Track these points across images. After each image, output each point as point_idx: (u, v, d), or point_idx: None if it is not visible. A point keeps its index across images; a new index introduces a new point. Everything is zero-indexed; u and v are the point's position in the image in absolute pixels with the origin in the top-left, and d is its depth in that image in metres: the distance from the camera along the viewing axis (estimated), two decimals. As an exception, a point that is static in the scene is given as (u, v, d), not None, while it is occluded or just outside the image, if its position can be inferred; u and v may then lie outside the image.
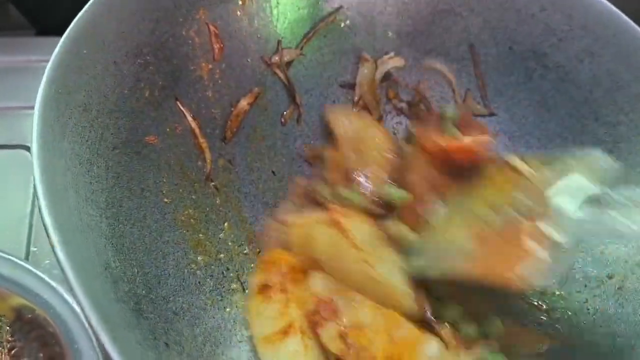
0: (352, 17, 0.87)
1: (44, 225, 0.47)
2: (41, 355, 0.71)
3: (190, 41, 0.76)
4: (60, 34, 0.92)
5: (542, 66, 0.82)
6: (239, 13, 0.81)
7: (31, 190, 0.86)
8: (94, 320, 0.44)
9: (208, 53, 0.78)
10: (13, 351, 0.71)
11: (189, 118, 0.76)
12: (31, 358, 0.71)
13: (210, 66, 0.79)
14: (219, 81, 0.80)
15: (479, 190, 0.66)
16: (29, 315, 0.73)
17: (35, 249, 0.81)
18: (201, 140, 0.78)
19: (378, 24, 0.87)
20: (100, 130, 0.62)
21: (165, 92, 0.73)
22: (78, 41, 0.61)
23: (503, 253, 0.56)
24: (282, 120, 0.84)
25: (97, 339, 0.46)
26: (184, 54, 0.76)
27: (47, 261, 0.80)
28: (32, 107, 0.77)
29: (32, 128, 0.53)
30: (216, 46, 0.79)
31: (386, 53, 0.88)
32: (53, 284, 0.72)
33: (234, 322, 0.66)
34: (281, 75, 0.83)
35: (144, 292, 0.57)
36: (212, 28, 0.78)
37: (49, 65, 0.57)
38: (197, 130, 0.77)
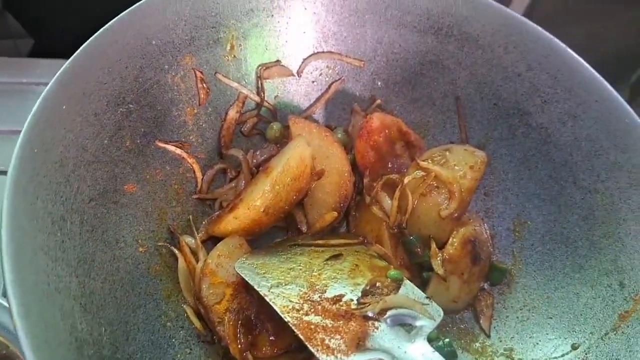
0: (341, 65, 0.87)
1: (7, 299, 0.48)
2: (12, 390, 0.73)
3: (175, 87, 0.77)
4: (57, 50, 0.94)
5: (526, 125, 0.82)
6: (227, 59, 0.81)
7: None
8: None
9: (193, 98, 0.79)
10: (-15, 388, 0.72)
11: (172, 148, 0.77)
12: (3, 393, 0.73)
13: (195, 111, 0.80)
14: (203, 125, 0.81)
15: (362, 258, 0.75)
16: (3, 352, 0.74)
17: (14, 281, 0.82)
18: (190, 160, 0.79)
19: (367, 72, 0.88)
20: (76, 184, 0.63)
21: (147, 139, 0.74)
22: (57, 97, 0.61)
23: (329, 322, 0.64)
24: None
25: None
26: (168, 99, 0.76)
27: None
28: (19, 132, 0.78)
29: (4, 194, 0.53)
30: (202, 91, 0.79)
31: (374, 101, 0.89)
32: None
33: (200, 377, 0.67)
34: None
35: (109, 352, 0.58)
36: (198, 74, 0.79)
37: (26, 123, 0.58)
38: (184, 155, 0.78)
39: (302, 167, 0.77)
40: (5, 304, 0.75)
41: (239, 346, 0.67)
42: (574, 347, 0.71)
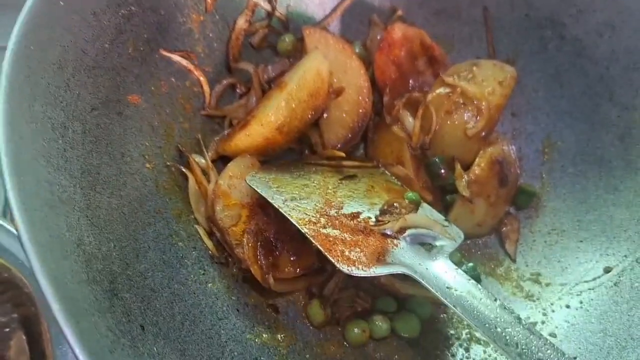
0: (359, -30, 0.80)
1: (8, 203, 0.43)
2: (15, 315, 0.69)
3: (180, -11, 0.70)
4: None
5: (559, 37, 0.76)
6: (236, -41, 0.74)
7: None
8: (57, 309, 0.41)
9: (199, 3, 0.72)
10: (-14, 310, 0.69)
11: (178, 58, 0.71)
12: (5, 317, 0.69)
13: (201, 18, 0.73)
14: (210, 35, 0.74)
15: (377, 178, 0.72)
16: (5, 275, 0.70)
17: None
18: (197, 73, 0.73)
19: (387, -21, 0.81)
20: (77, 89, 0.57)
21: (151, 46, 0.68)
22: (53, -10, 0.55)
23: (348, 236, 0.61)
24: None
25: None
26: (172, 3, 0.69)
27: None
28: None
29: (-2, 90, 0.48)
30: (209, -4, 0.72)
31: (395, 11, 0.82)
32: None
33: (215, 297, 0.63)
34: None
35: (120, 269, 0.54)
36: (205, -25, 0.72)
37: (20, 18, 0.51)
38: (190, 67, 0.72)
39: (319, 83, 0.71)
40: (7, 225, 0.71)
41: (261, 268, 0.63)
42: (607, 271, 0.68)
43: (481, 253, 0.76)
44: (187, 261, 0.63)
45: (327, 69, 0.71)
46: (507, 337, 0.51)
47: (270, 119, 0.68)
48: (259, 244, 0.65)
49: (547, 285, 0.71)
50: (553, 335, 0.67)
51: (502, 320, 0.53)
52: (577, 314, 0.67)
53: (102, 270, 0.51)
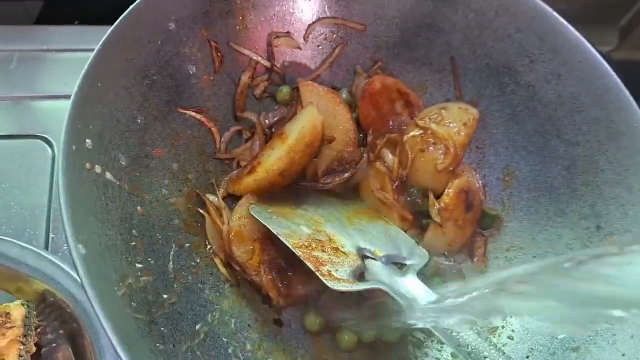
0: (344, 29, 0.93)
1: (72, 259, 0.57)
2: (62, 332, 0.83)
3: (192, 57, 0.83)
4: (66, 13, 0.99)
5: (515, 82, 0.89)
6: (238, 28, 0.87)
7: (48, 180, 0.95)
8: (116, 343, 0.54)
9: (209, 66, 0.86)
10: (39, 329, 0.82)
11: (192, 113, 0.84)
12: (54, 334, 0.83)
13: (211, 78, 0.86)
14: (219, 91, 0.88)
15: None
16: (52, 299, 0.84)
17: (54, 236, 0.91)
18: (209, 124, 0.87)
19: (368, 35, 0.94)
20: (113, 152, 0.71)
21: (170, 106, 0.81)
22: (94, 75, 0.68)
23: (334, 258, 0.75)
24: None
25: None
26: (186, 69, 0.83)
27: (65, 247, 0.90)
28: (47, 97, 0.86)
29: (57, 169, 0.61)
30: (217, 60, 0.86)
31: (375, 62, 0.95)
32: (72, 273, 0.83)
33: (229, 316, 0.77)
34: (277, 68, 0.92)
35: (153, 298, 0.68)
36: (212, 43, 0.85)
37: (70, 103, 0.65)
38: (203, 119, 0.86)
39: (315, 135, 0.83)
40: (50, 257, 0.84)
41: (278, 291, 0.77)
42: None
43: (452, 268, 0.89)
44: (205, 286, 0.77)
45: (321, 123, 0.84)
46: (460, 340, 0.65)
47: (273, 167, 0.81)
48: (273, 272, 0.79)
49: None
50: (510, 337, 0.80)
51: None
52: (531, 320, 0.81)
53: (140, 301, 0.65)
